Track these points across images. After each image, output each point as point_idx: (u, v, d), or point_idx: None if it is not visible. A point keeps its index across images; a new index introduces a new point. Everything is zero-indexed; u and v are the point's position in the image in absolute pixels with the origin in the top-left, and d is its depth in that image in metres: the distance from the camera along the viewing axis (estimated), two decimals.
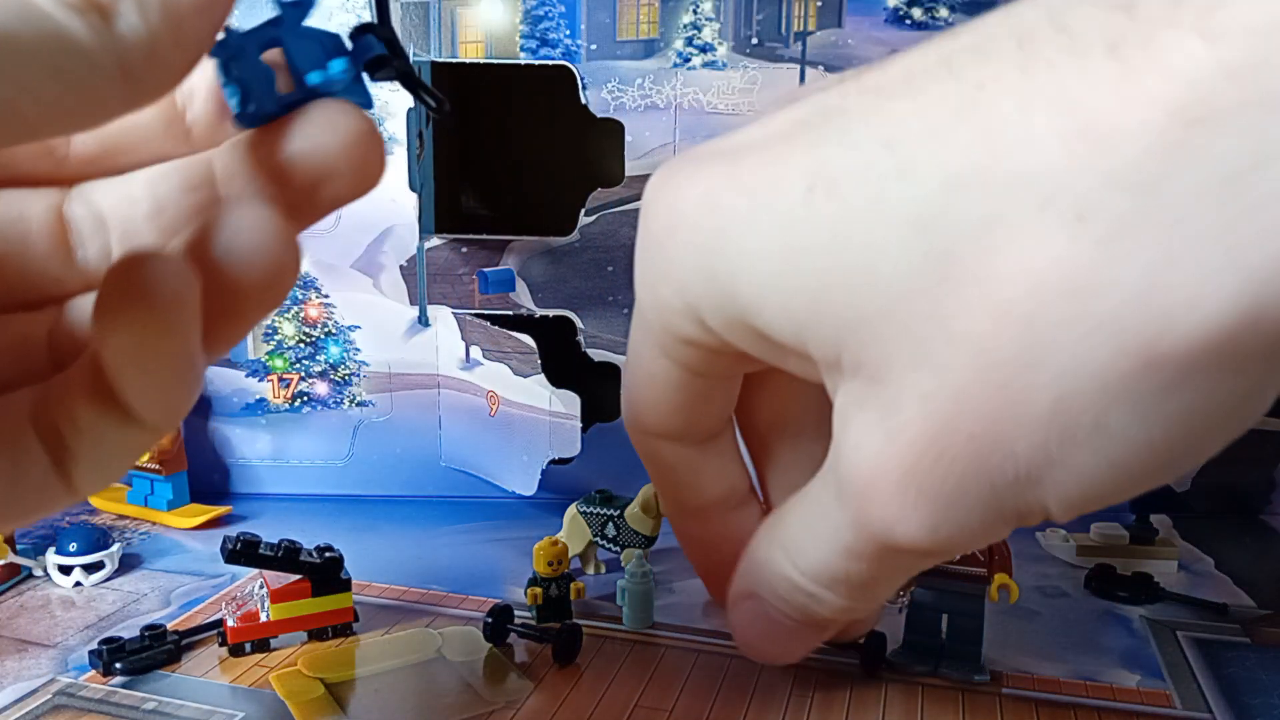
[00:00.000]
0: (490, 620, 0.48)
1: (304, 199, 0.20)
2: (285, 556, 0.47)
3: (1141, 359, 0.16)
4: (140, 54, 0.16)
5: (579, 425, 0.64)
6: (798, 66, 0.65)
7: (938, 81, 0.18)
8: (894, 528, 0.20)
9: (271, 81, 0.20)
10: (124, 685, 0.44)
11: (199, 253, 0.18)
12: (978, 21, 0.18)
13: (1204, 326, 0.15)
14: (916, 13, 0.64)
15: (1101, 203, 0.16)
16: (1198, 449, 0.17)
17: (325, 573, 0.48)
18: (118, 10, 0.16)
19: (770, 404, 0.27)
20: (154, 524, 0.64)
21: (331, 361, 0.68)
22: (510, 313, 0.68)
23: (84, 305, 0.22)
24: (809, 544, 0.23)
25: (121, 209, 0.22)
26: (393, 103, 0.65)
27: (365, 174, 0.20)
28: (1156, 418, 0.16)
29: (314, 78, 0.20)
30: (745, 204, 0.20)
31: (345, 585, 0.48)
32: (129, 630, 0.47)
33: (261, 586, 0.48)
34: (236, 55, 0.20)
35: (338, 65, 0.21)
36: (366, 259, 0.67)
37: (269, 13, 0.20)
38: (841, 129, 0.19)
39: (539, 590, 0.50)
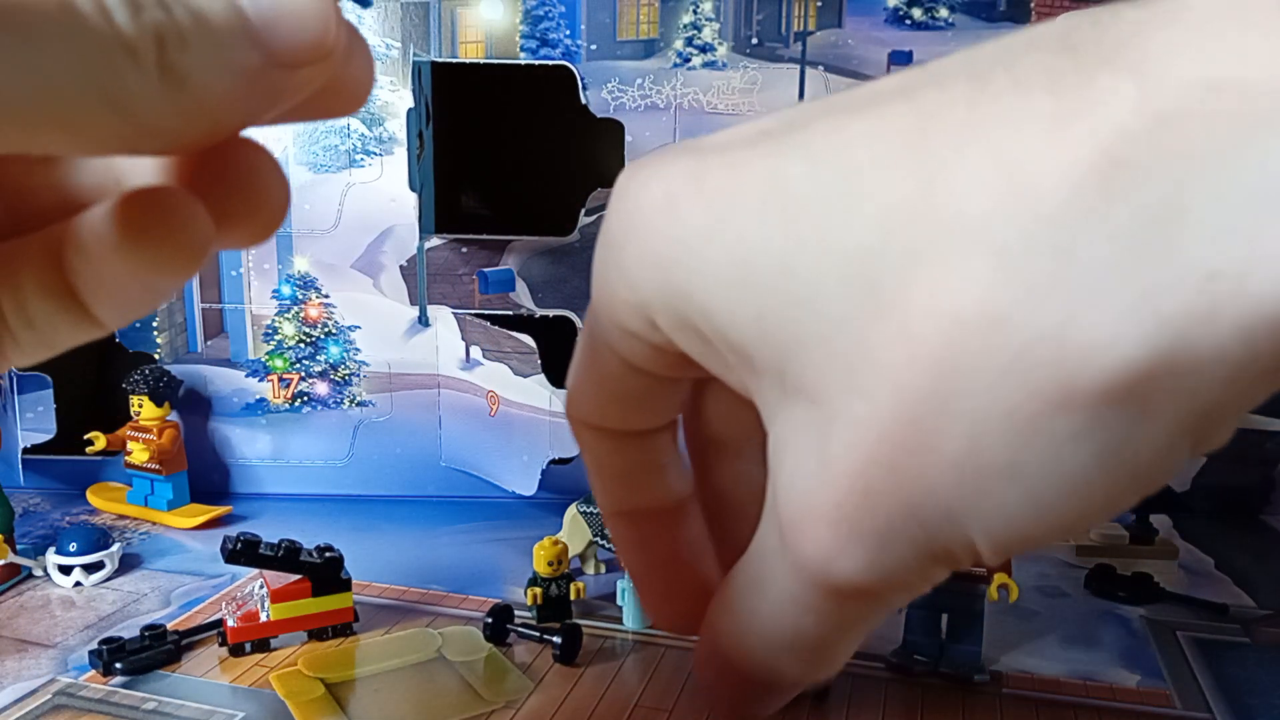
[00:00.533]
0: (490, 620, 0.48)
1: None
2: (285, 556, 0.47)
3: (1054, 400, 0.16)
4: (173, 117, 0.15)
5: None
6: (798, 66, 0.65)
7: (896, 109, 0.18)
8: (829, 565, 0.19)
9: None
10: (124, 685, 0.44)
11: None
12: (950, 55, 0.19)
13: (1117, 367, 0.16)
14: (916, 13, 0.64)
15: (1021, 244, 0.16)
16: (1119, 495, 0.18)
17: (325, 573, 0.48)
18: (187, 70, 0.15)
19: (718, 415, 0.27)
20: (154, 524, 0.64)
21: (331, 361, 0.68)
22: (510, 313, 0.68)
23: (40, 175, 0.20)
24: (757, 602, 0.23)
25: None
26: (393, 103, 0.65)
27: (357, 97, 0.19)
28: (1072, 461, 0.17)
29: None
30: (703, 214, 0.20)
31: (345, 585, 0.48)
32: (129, 630, 0.47)
33: (261, 586, 0.48)
34: None
35: None
36: (366, 259, 0.67)
37: None
38: (803, 143, 0.19)
39: (539, 590, 0.50)
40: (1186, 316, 0.15)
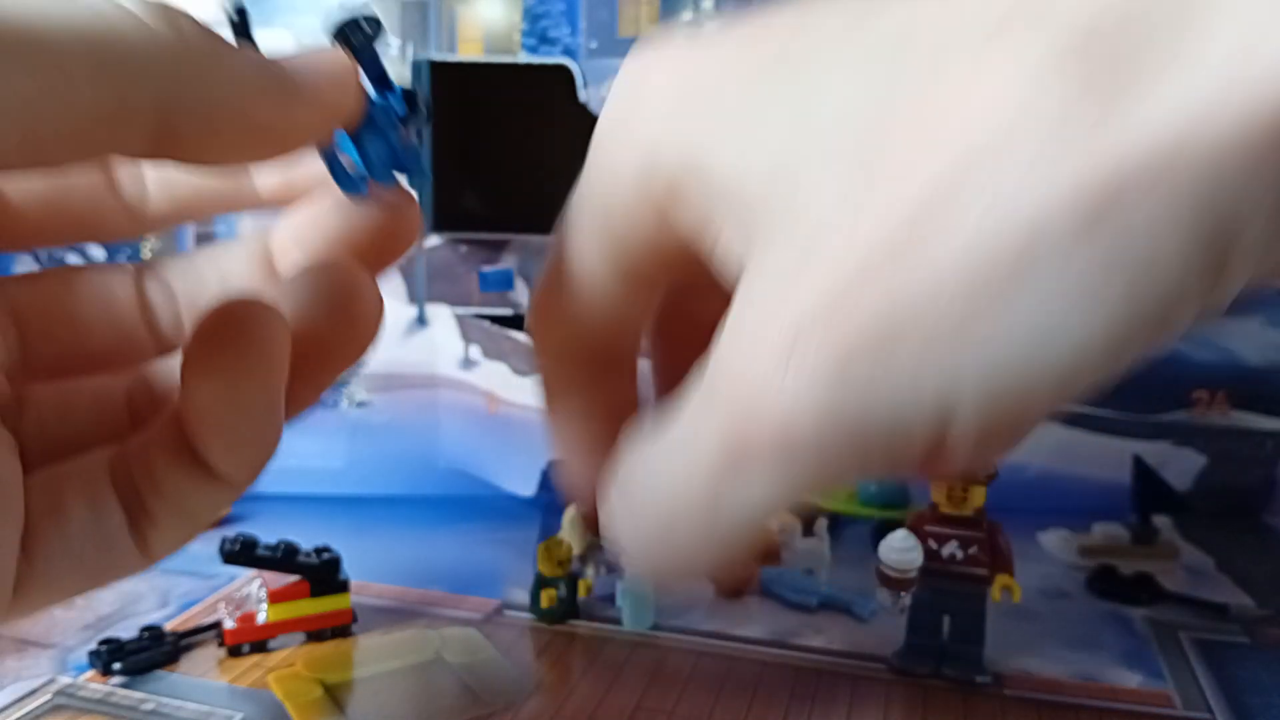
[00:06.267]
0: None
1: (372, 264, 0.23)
2: (283, 557, 0.47)
3: (1066, 191, 0.14)
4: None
5: None
6: None
7: None
8: (765, 403, 0.16)
9: (392, 156, 0.22)
10: (123, 685, 0.44)
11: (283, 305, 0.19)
12: None
13: (1135, 140, 0.14)
14: None
15: (1082, 27, 0.14)
16: (1122, 323, 0.14)
17: (323, 573, 0.48)
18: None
19: (675, 347, 0.27)
20: None
21: None
22: (510, 312, 0.68)
23: (161, 367, 0.23)
24: (667, 462, 0.19)
25: (191, 287, 0.24)
26: None
27: (406, 247, 0.25)
28: (1080, 264, 0.14)
29: (413, 160, 0.22)
30: (717, 61, 0.19)
31: (344, 586, 0.48)
32: (128, 630, 0.47)
33: (260, 587, 0.48)
34: (371, 125, 0.21)
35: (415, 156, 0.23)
36: None
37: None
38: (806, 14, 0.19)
39: (554, 591, 0.50)
40: (1202, 93, 0.13)
